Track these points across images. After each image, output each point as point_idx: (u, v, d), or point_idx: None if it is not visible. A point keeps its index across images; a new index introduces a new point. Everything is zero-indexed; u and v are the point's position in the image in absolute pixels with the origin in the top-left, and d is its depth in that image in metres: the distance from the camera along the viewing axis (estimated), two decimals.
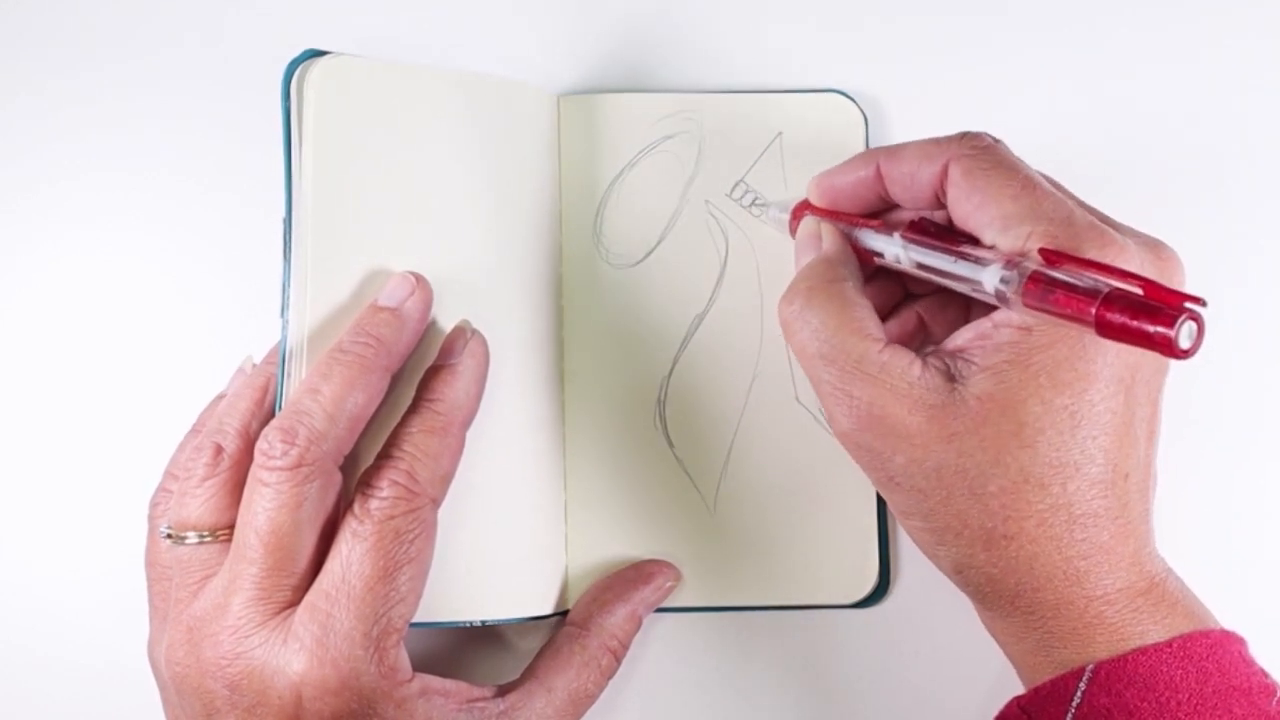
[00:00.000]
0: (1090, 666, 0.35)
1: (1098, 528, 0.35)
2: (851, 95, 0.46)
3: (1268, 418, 0.45)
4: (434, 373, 0.39)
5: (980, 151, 0.37)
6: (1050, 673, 0.36)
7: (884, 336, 0.37)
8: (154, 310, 0.46)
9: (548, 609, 0.43)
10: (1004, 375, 0.35)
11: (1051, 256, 0.34)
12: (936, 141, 0.38)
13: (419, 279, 0.40)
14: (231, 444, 0.38)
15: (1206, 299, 0.31)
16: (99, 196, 0.47)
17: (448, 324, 0.41)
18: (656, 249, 0.45)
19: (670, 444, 0.44)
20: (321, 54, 0.40)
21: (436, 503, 0.38)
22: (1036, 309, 0.33)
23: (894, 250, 0.39)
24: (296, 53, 0.40)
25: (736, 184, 0.45)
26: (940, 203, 0.39)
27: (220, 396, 0.42)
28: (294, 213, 0.39)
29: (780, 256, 0.45)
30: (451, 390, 0.39)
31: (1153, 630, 0.35)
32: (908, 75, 0.47)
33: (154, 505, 0.41)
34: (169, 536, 0.38)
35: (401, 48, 0.47)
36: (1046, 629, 0.36)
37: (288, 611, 0.36)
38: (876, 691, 0.43)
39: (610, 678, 0.41)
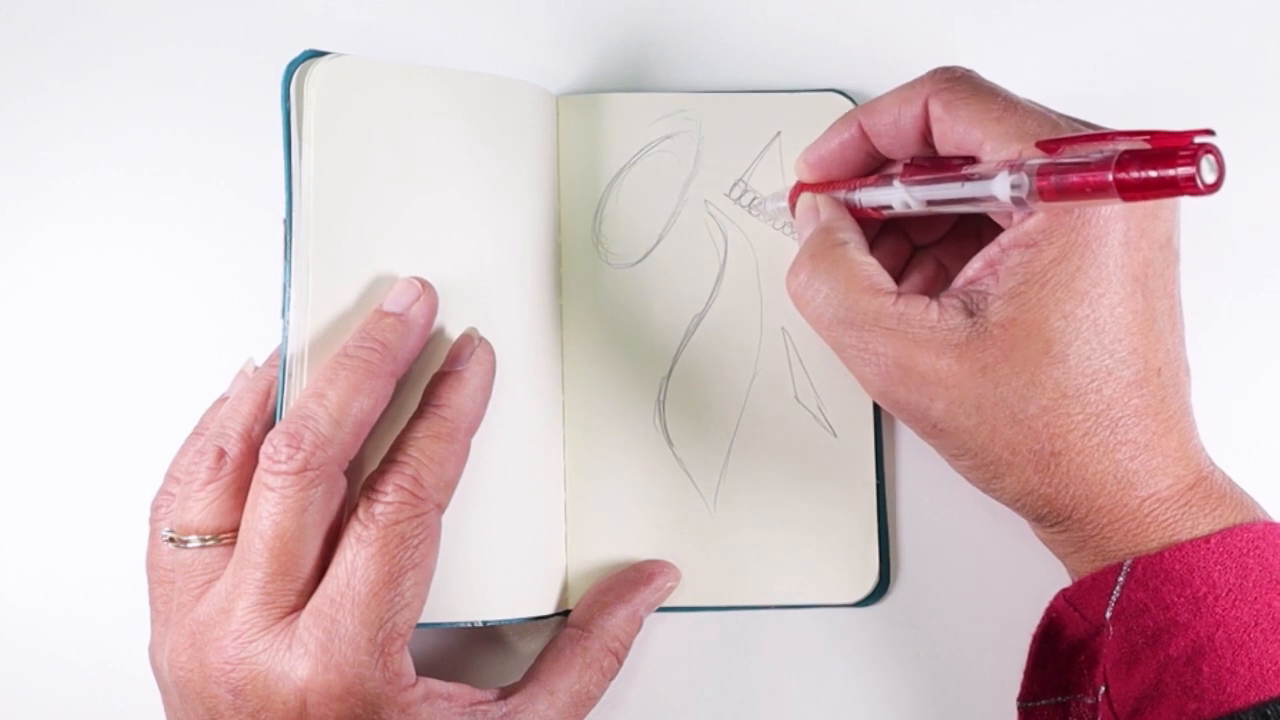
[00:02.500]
0: (1129, 562, 0.36)
1: (1140, 427, 0.36)
2: (850, 94, 0.46)
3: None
4: (440, 379, 0.39)
5: (955, 82, 0.37)
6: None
7: (895, 288, 0.37)
8: (155, 311, 0.46)
9: (548, 609, 0.43)
10: (1022, 297, 0.35)
11: (1049, 145, 0.34)
12: (910, 85, 0.38)
13: (424, 284, 0.40)
14: (234, 447, 0.38)
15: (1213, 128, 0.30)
16: (98, 197, 0.47)
17: (448, 325, 0.41)
18: (655, 249, 0.45)
19: (670, 443, 0.44)
20: (320, 54, 0.40)
21: (441, 508, 0.38)
22: (1055, 199, 0.33)
23: (898, 197, 0.38)
24: (296, 52, 0.40)
25: (735, 183, 0.45)
26: (928, 143, 0.39)
27: (222, 399, 0.42)
28: (294, 213, 0.39)
29: (779, 255, 0.45)
30: (458, 396, 0.39)
31: (1203, 523, 0.36)
32: (906, 74, 0.46)
33: (155, 508, 0.41)
34: (171, 540, 0.38)
35: (400, 47, 0.47)
36: (1103, 535, 0.36)
37: (292, 616, 0.36)
38: (877, 691, 0.44)
39: (612, 679, 0.41)
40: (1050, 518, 0.37)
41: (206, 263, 0.46)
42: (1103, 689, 0.36)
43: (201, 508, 0.38)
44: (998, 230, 0.37)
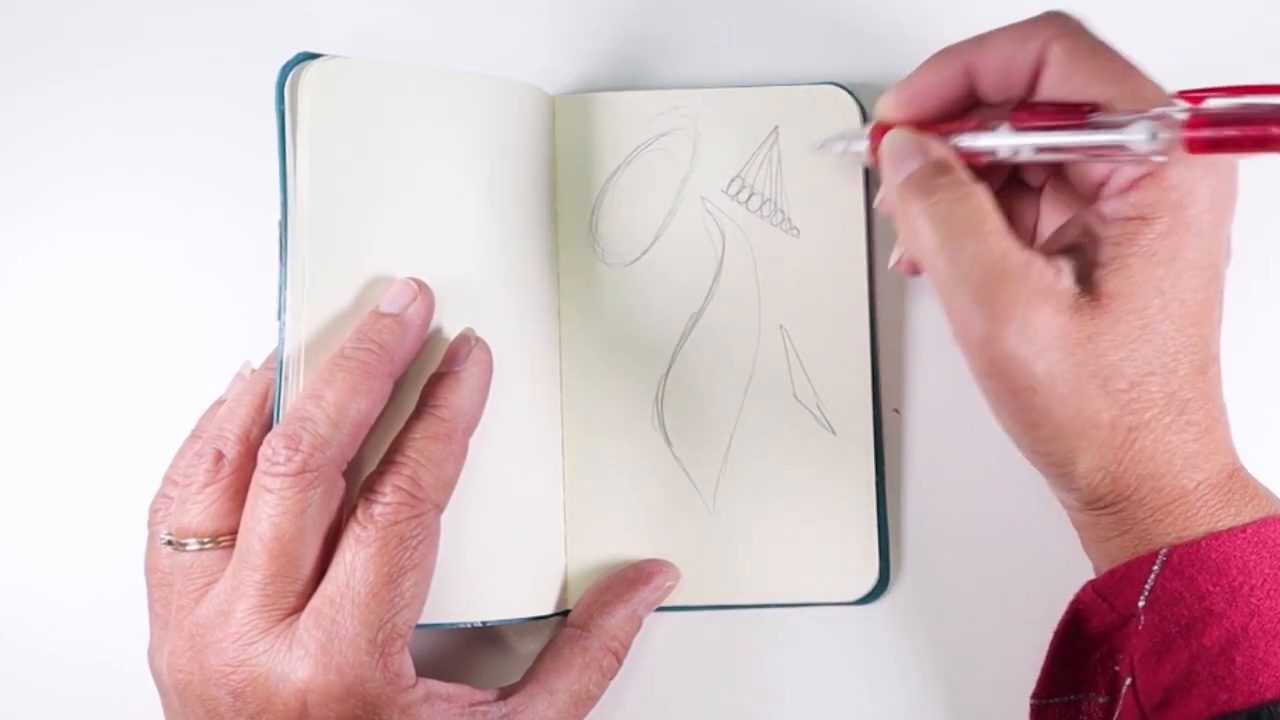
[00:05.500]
0: (1164, 550, 0.35)
1: (1202, 411, 0.36)
2: (848, 87, 0.45)
3: None
4: (438, 379, 0.39)
5: (1079, 30, 0.36)
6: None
7: (1017, 239, 0.36)
8: (154, 312, 0.46)
9: (548, 609, 0.43)
10: (1128, 270, 0.35)
11: (1191, 96, 0.33)
12: (1024, 25, 0.37)
13: (421, 285, 0.40)
14: (232, 450, 0.38)
15: None
16: (97, 197, 0.46)
17: (445, 325, 0.40)
18: (652, 247, 0.45)
19: (669, 443, 0.44)
20: (315, 56, 0.40)
21: (440, 508, 0.38)
22: (1204, 150, 0.32)
23: (1007, 142, 0.37)
24: (292, 53, 0.39)
25: (733, 180, 0.45)
26: (1030, 91, 0.38)
27: (219, 402, 0.42)
28: (289, 215, 0.39)
29: (777, 252, 0.45)
30: (455, 397, 0.39)
31: (1243, 513, 0.36)
32: (907, 65, 0.46)
33: (153, 512, 0.41)
34: (169, 543, 0.38)
35: (396, 47, 0.47)
36: (1154, 519, 0.36)
37: (292, 618, 0.36)
38: (877, 689, 0.44)
39: (612, 678, 0.41)
40: (1109, 498, 0.36)
41: (206, 264, 0.46)
42: (1129, 680, 0.36)
43: (199, 510, 0.38)
44: (1073, 196, 0.37)
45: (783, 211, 0.45)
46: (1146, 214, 0.35)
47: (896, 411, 0.45)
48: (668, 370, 0.45)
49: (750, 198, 0.45)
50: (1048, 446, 0.36)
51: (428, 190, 0.41)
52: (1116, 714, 0.36)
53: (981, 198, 0.36)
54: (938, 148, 0.38)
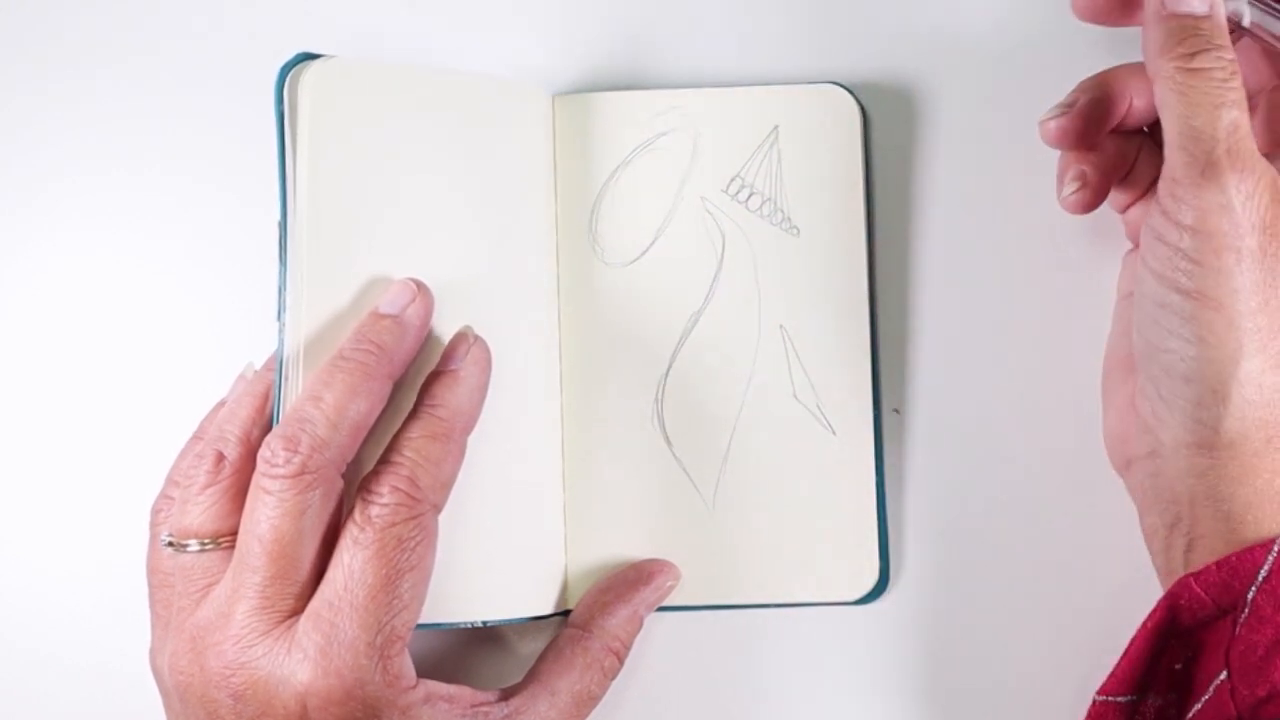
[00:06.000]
0: (1279, 541, 0.35)
1: None
2: (848, 87, 0.45)
3: None
4: (436, 378, 0.39)
5: None
6: (1222, 553, 0.36)
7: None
8: (154, 312, 0.46)
9: (548, 609, 0.43)
10: None
11: None
12: None
13: (420, 286, 0.40)
14: (233, 451, 0.38)
15: None
16: (97, 197, 0.46)
17: (444, 326, 0.40)
18: (652, 247, 0.45)
19: (668, 442, 0.44)
20: (314, 56, 0.40)
21: (438, 509, 0.38)
22: None
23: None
24: (292, 52, 0.39)
25: (733, 179, 0.45)
26: None
27: (222, 403, 0.42)
28: (289, 216, 0.39)
29: (777, 253, 0.45)
30: (454, 396, 0.39)
31: None
32: (906, 64, 0.46)
33: (155, 513, 0.40)
34: (170, 544, 0.38)
35: (395, 47, 0.47)
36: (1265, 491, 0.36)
37: (291, 620, 0.36)
38: (877, 688, 0.44)
39: (613, 679, 0.41)
40: (1254, 430, 0.36)
41: (206, 264, 0.46)
42: (1222, 674, 0.35)
43: (200, 511, 0.38)
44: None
45: (783, 211, 0.45)
46: None
47: (896, 411, 0.45)
48: (668, 370, 0.45)
49: (750, 197, 0.45)
50: (1220, 334, 0.36)
51: (427, 190, 0.41)
52: (1198, 709, 0.35)
53: (1241, 78, 0.36)
54: (1220, 4, 0.37)
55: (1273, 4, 0.37)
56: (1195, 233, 0.36)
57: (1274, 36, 0.37)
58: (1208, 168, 0.35)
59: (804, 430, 0.44)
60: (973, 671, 0.43)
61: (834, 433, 0.44)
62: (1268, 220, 0.35)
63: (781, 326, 0.45)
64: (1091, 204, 0.41)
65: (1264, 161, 0.36)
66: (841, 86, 0.45)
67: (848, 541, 0.44)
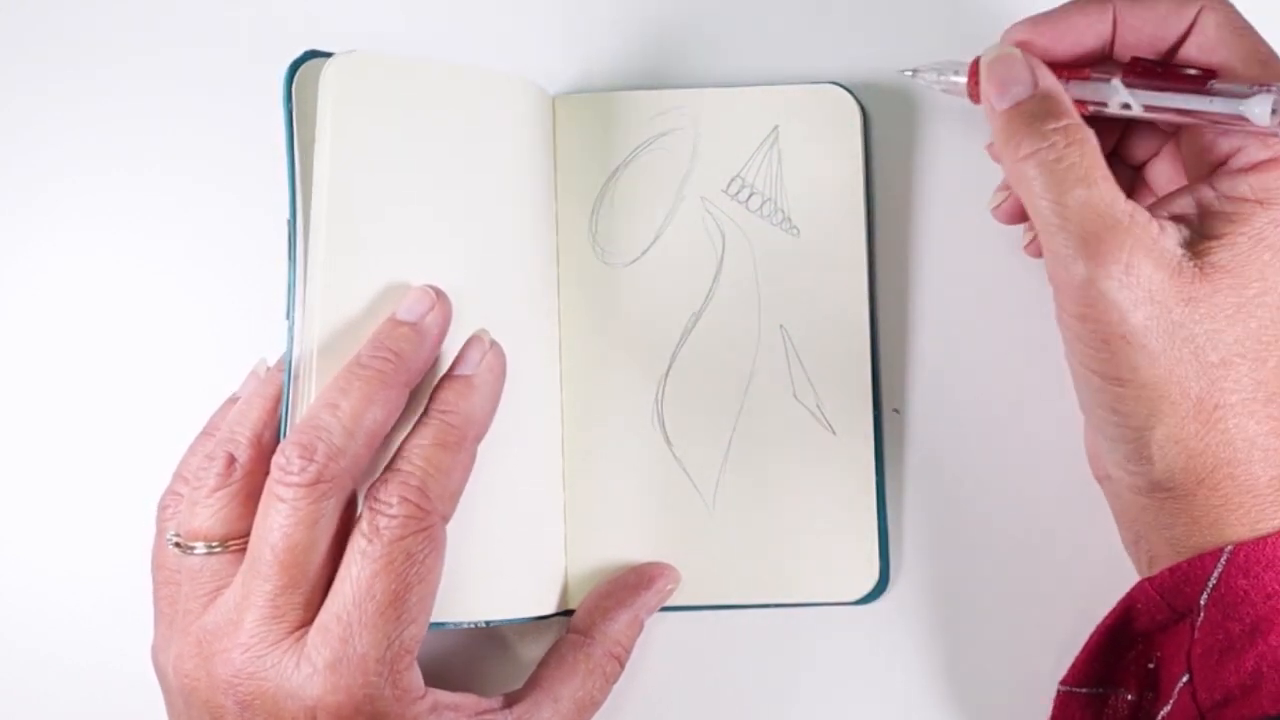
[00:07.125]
0: (1229, 548, 0.35)
1: None
2: (848, 87, 0.45)
3: None
4: (448, 383, 0.39)
5: (1232, 9, 0.37)
6: (1188, 556, 0.36)
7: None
8: (156, 311, 0.46)
9: (549, 609, 0.43)
10: (1236, 249, 0.35)
11: None
12: None
13: (439, 293, 0.39)
14: (243, 453, 0.38)
15: None
16: (98, 197, 0.46)
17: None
18: (652, 247, 0.45)
19: (668, 443, 0.44)
20: (322, 54, 0.39)
21: (446, 519, 0.37)
22: None
23: (1118, 98, 0.37)
24: (296, 52, 0.39)
25: (733, 179, 0.45)
26: (1169, 55, 0.38)
27: (233, 399, 0.42)
28: (306, 213, 0.39)
29: (777, 253, 0.45)
30: (466, 403, 0.38)
31: None
32: (907, 63, 0.46)
33: (163, 508, 0.40)
34: (177, 545, 0.38)
35: (395, 47, 0.47)
36: (1226, 508, 0.35)
37: (300, 631, 0.36)
38: (877, 689, 0.44)
39: (615, 683, 0.41)
40: (1181, 477, 0.36)
41: (206, 264, 0.46)
42: (1185, 678, 0.35)
43: (209, 514, 0.37)
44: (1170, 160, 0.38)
45: (783, 211, 0.45)
46: (1265, 198, 0.35)
47: (896, 411, 0.45)
48: (668, 370, 0.45)
49: (750, 197, 0.45)
50: (1130, 406, 0.36)
51: (435, 187, 0.41)
52: (1166, 711, 0.36)
53: (1092, 144, 0.36)
54: (1048, 77, 0.37)
55: (1152, 79, 0.37)
56: (1083, 320, 0.36)
57: (1171, 111, 0.37)
58: (1070, 261, 0.35)
59: (804, 430, 0.44)
60: (972, 671, 0.43)
61: (834, 433, 0.44)
62: (1153, 289, 0.35)
63: (781, 326, 0.45)
64: (1019, 214, 0.42)
65: (1138, 226, 0.35)
66: (841, 86, 0.45)
67: (848, 541, 0.44)
